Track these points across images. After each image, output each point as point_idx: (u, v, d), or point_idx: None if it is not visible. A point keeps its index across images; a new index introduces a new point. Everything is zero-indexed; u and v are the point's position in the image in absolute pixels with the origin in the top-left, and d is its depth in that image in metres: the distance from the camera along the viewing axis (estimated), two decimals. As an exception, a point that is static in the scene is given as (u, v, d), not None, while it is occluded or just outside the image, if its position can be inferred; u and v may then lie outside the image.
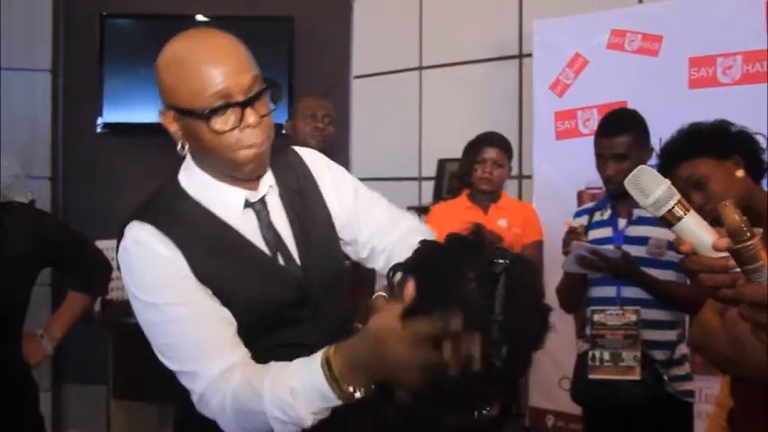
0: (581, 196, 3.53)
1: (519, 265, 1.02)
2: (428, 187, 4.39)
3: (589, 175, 3.44)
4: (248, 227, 1.42)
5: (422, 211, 4.31)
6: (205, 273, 1.34)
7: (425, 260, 1.03)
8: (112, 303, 3.88)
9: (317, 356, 1.20)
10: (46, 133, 4.35)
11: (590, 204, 2.76)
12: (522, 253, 2.99)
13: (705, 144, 1.89)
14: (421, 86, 4.51)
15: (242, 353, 1.32)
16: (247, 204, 1.43)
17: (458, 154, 3.34)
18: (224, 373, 1.27)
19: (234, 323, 1.35)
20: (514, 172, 3.70)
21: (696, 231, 1.02)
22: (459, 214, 3.08)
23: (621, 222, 2.54)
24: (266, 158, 1.41)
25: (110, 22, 4.31)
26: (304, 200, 1.52)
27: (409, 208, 4.38)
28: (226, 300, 1.35)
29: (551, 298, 3.27)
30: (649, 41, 3.35)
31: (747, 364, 1.47)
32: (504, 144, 3.10)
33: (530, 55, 3.84)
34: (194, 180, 1.43)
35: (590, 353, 2.44)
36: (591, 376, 2.42)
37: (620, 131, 2.44)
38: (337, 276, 1.55)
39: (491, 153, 3.04)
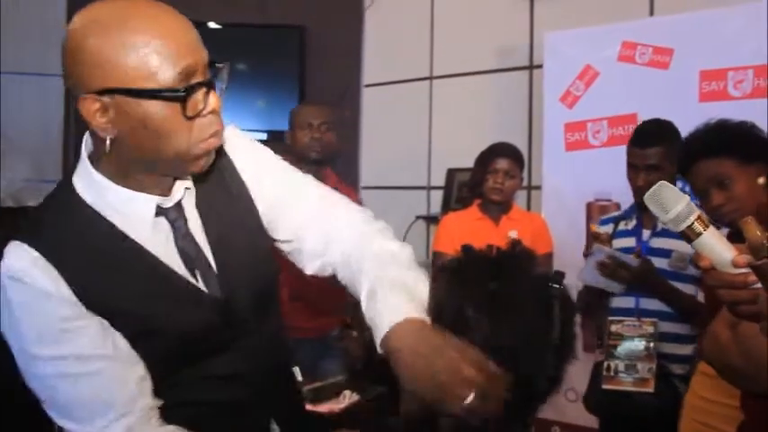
0: (590, 208, 3.52)
1: (567, 289, 1.02)
2: (437, 196, 4.39)
3: (598, 186, 3.45)
4: (161, 240, 1.20)
5: (431, 220, 4.32)
6: (100, 301, 1.13)
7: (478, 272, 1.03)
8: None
9: None
10: (58, 137, 4.37)
11: (616, 213, 2.77)
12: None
13: (734, 144, 1.86)
14: (431, 96, 4.52)
15: (140, 407, 1.15)
16: (160, 212, 1.19)
17: (467, 164, 3.35)
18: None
19: (138, 365, 1.17)
20: (524, 183, 3.71)
21: (715, 247, 1.02)
22: (469, 225, 3.08)
23: (646, 233, 2.54)
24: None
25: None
26: (224, 197, 1.28)
27: (418, 217, 4.41)
28: (130, 330, 1.16)
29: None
30: (660, 54, 3.36)
31: (759, 378, 1.47)
32: (517, 155, 3.11)
33: (540, 66, 3.85)
34: (94, 186, 1.16)
35: (605, 363, 2.44)
36: (605, 386, 2.41)
37: (653, 143, 2.42)
38: (267, 288, 1.35)
39: (503, 163, 3.04)
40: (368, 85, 4.77)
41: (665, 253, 2.47)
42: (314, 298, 2.90)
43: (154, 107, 1.06)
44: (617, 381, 2.39)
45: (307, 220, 1.33)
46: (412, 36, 4.57)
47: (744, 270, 1.00)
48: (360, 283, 1.23)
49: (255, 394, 1.29)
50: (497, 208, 3.11)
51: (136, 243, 1.16)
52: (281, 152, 1.38)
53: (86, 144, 1.18)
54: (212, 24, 4.38)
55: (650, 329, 2.40)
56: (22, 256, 1.10)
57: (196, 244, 1.23)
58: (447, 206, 4.13)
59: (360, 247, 1.29)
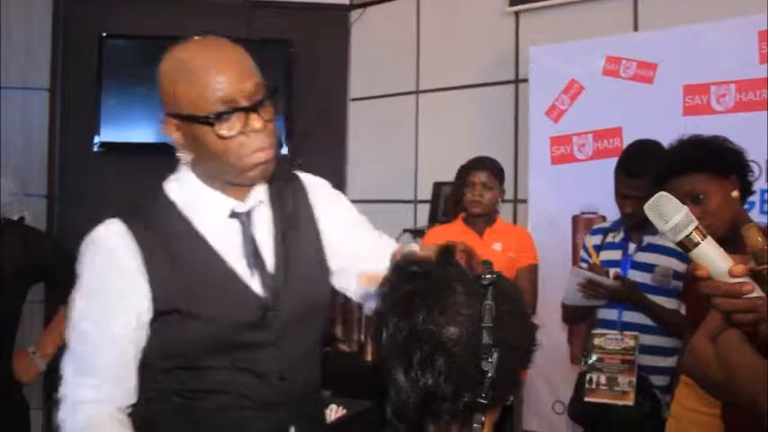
0: (576, 221, 3.54)
1: (505, 282, 1.05)
2: (423, 210, 4.40)
3: (584, 199, 3.47)
4: (230, 237, 1.42)
5: (417, 233, 4.32)
6: (163, 281, 1.34)
7: (414, 275, 1.05)
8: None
9: None
10: (43, 152, 4.35)
11: (606, 224, 2.79)
12: (517, 277, 3.01)
13: (708, 159, 1.89)
14: (417, 110, 4.54)
15: (109, 391, 1.34)
16: (234, 215, 1.42)
17: (453, 177, 3.36)
18: (80, 403, 1.31)
19: (132, 361, 1.36)
20: (509, 196, 3.72)
21: (713, 257, 1.04)
22: (454, 237, 3.00)
23: (632, 247, 2.57)
24: (271, 167, 1.40)
25: (108, 43, 4.33)
26: (295, 223, 1.50)
27: (405, 230, 4.41)
28: (181, 310, 1.35)
29: (544, 319, 3.29)
30: (644, 69, 3.39)
31: (737, 390, 1.47)
32: (494, 167, 3.12)
33: (526, 80, 3.88)
34: (185, 186, 1.42)
35: (587, 375, 2.47)
36: (587, 399, 2.45)
37: (641, 173, 2.41)
38: (315, 308, 1.52)
39: (480, 176, 3.06)
40: (354, 99, 4.79)
41: (649, 267, 2.50)
42: None
43: (196, 129, 1.32)
44: (598, 393, 2.42)
45: (361, 252, 1.57)
46: (398, 50, 4.59)
47: (741, 279, 1.01)
48: None
49: (283, 396, 1.43)
50: (481, 220, 3.12)
51: (202, 238, 1.39)
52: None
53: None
54: (197, 39, 4.38)
55: (631, 343, 2.43)
56: (110, 228, 1.35)
57: (256, 248, 1.43)
58: (434, 219, 4.14)
59: None
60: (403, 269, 1.06)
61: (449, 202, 3.95)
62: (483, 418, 0.98)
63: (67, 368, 1.35)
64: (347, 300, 1.69)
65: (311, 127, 4.48)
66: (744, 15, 3.12)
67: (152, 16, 4.42)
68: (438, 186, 4.21)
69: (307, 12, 4.62)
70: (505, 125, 4.13)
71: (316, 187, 1.59)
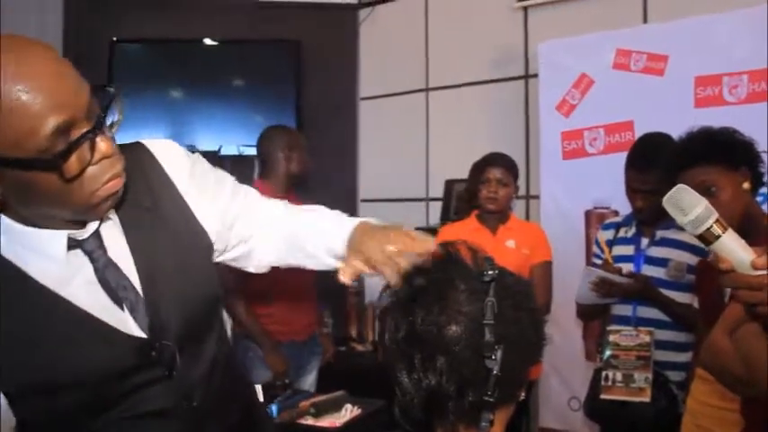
0: (588, 216, 3.53)
1: (509, 277, 1.03)
2: (435, 208, 4.39)
3: (596, 194, 3.46)
4: (80, 274, 1.12)
5: (430, 231, 4.32)
6: (8, 351, 1.05)
7: (414, 274, 1.04)
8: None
9: None
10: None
11: (618, 219, 2.77)
12: (531, 274, 3.00)
13: (719, 151, 1.88)
14: (428, 108, 4.53)
15: None
16: (75, 245, 1.12)
17: (465, 174, 3.35)
18: None
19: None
20: (522, 192, 3.70)
21: (734, 250, 1.03)
22: (467, 235, 3.02)
23: (644, 242, 2.56)
24: (121, 191, 1.11)
25: (119, 47, 4.35)
26: (153, 219, 1.22)
27: (417, 229, 4.40)
28: (40, 384, 1.07)
29: (558, 316, 3.28)
30: (655, 61, 3.36)
31: (758, 384, 1.47)
32: (509, 163, 3.11)
33: (536, 75, 3.86)
34: (5, 232, 1.09)
35: (603, 372, 2.45)
36: (603, 396, 2.43)
37: (650, 167, 2.40)
38: (204, 311, 1.28)
39: (495, 173, 3.05)
40: (364, 99, 4.79)
41: (663, 262, 2.48)
42: (285, 301, 2.96)
43: (31, 176, 0.98)
44: (614, 390, 2.41)
45: (255, 221, 1.37)
46: (407, 48, 4.58)
47: (763, 272, 1.00)
48: (307, 239, 1.35)
49: (201, 426, 1.23)
50: (494, 218, 3.11)
51: (37, 284, 1.08)
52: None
53: None
54: (208, 41, 4.40)
55: (647, 339, 2.41)
56: None
57: (120, 272, 1.15)
58: (446, 217, 4.13)
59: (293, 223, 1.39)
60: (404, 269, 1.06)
61: (461, 199, 3.94)
62: (491, 417, 0.97)
63: None
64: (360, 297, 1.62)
65: (322, 126, 4.49)
66: (755, 5, 3.09)
67: (162, 20, 4.44)
68: (450, 184, 4.20)
69: (316, 11, 4.62)
70: (516, 121, 4.11)
71: (170, 158, 1.27)
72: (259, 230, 1.38)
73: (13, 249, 1.08)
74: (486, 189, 3.06)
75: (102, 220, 1.14)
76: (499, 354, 0.95)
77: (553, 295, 3.11)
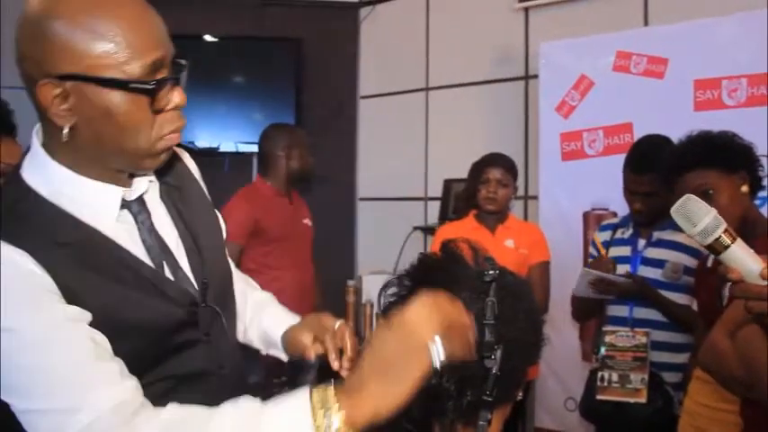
0: (587, 217, 3.53)
1: (510, 277, 1.03)
2: (434, 207, 4.40)
3: (595, 195, 3.46)
4: (124, 233, 1.12)
5: (428, 230, 4.33)
6: (71, 293, 1.01)
7: (420, 272, 1.04)
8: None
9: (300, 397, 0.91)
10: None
11: (615, 220, 2.78)
12: (529, 274, 3.00)
13: (717, 155, 1.89)
14: (427, 107, 4.54)
15: (134, 386, 1.00)
16: (123, 205, 1.13)
17: (464, 174, 3.35)
18: (118, 407, 0.95)
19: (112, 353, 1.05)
20: (520, 193, 3.71)
21: (743, 259, 1.03)
22: (466, 234, 3.03)
23: (641, 243, 2.56)
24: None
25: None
26: (185, 196, 1.27)
27: (415, 228, 4.41)
28: (99, 326, 1.03)
29: (555, 317, 3.28)
30: (655, 64, 3.37)
31: (758, 385, 1.47)
32: (508, 164, 3.12)
33: (536, 76, 3.87)
34: (51, 178, 1.07)
35: (599, 373, 2.46)
36: (599, 396, 2.44)
37: (648, 169, 2.40)
38: (228, 282, 1.34)
39: (495, 173, 3.06)
40: (364, 97, 4.79)
41: (659, 263, 2.49)
42: (284, 300, 2.97)
43: (119, 98, 1.01)
44: (610, 391, 2.41)
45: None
46: (408, 48, 4.59)
47: None
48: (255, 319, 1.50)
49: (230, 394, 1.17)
50: (493, 218, 3.12)
51: (103, 236, 1.07)
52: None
53: (38, 134, 1.10)
54: (209, 37, 4.40)
55: (643, 340, 2.42)
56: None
57: (161, 238, 1.17)
58: (444, 217, 4.14)
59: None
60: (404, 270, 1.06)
61: (459, 199, 3.95)
62: (489, 416, 0.97)
63: (52, 400, 0.96)
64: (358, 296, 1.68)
65: (321, 125, 4.49)
66: (755, 9, 3.10)
67: (162, 16, 4.42)
68: (448, 183, 4.21)
69: (317, 10, 4.63)
70: (515, 122, 4.12)
71: (184, 154, 1.35)
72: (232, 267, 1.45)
73: (59, 200, 1.06)
74: (485, 189, 3.06)
75: (148, 188, 1.18)
76: (499, 354, 0.95)
77: (551, 295, 3.12)
